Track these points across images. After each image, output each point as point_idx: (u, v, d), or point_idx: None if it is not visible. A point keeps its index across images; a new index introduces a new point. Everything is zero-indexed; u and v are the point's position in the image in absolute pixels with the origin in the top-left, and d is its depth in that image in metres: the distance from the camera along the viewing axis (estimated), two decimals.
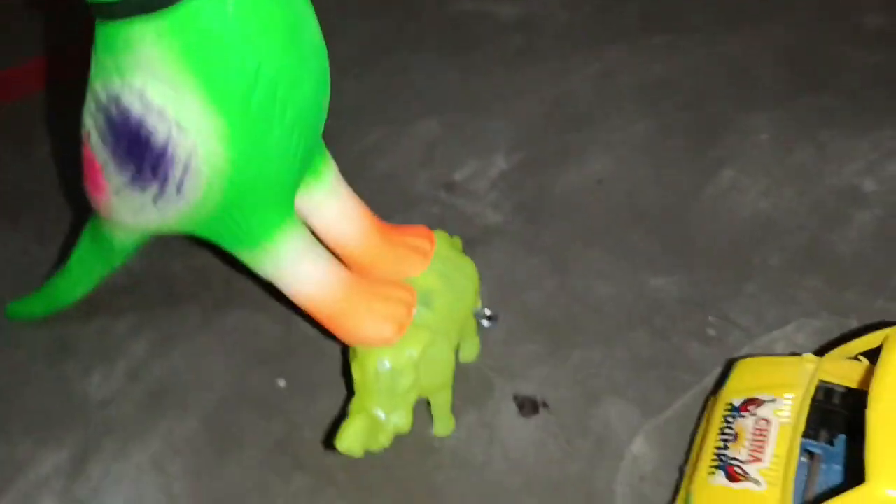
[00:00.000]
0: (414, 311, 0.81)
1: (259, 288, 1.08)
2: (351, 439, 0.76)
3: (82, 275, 0.97)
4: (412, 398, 0.82)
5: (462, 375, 0.95)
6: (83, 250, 0.94)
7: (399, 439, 0.88)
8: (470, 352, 0.97)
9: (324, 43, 0.71)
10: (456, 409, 0.91)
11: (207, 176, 0.67)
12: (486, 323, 0.93)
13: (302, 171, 0.75)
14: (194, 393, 0.97)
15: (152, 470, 0.90)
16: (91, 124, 0.71)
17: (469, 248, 0.94)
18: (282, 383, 0.97)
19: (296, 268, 0.76)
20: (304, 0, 0.68)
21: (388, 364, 0.79)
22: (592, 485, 0.84)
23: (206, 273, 1.11)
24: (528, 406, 0.93)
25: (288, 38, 0.65)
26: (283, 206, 0.74)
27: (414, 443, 0.89)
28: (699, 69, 1.34)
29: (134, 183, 0.70)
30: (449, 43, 1.48)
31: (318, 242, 0.79)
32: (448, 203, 1.18)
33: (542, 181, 1.19)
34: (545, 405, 0.92)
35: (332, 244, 0.83)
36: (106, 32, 0.65)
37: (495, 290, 1.04)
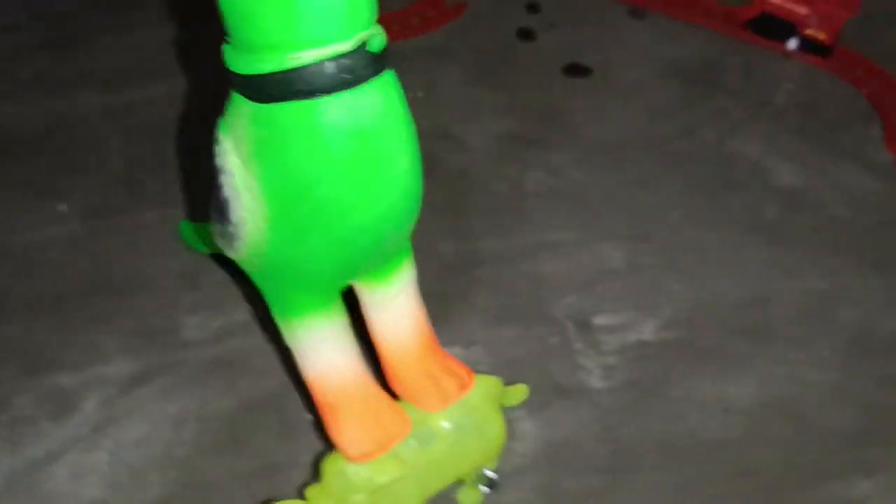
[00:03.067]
0: (398, 443, 0.82)
1: None
2: None
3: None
4: None
5: None
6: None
7: None
8: (469, 498, 0.94)
9: (413, 181, 0.72)
10: None
11: (249, 245, 0.72)
12: (482, 487, 0.90)
13: (349, 276, 0.77)
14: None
15: (169, 425, 1.01)
16: None
17: None
18: None
19: (308, 351, 0.80)
20: (401, 138, 0.69)
21: (347, 473, 0.81)
22: None
23: None
24: None
25: (358, 172, 0.66)
26: (317, 297, 0.77)
27: None
28: None
29: (213, 212, 0.77)
30: None
31: (347, 338, 0.81)
32: None
33: None
34: None
35: (374, 337, 0.86)
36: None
37: None
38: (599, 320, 1.15)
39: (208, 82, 1.44)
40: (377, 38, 0.65)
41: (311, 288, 0.76)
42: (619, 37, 1.67)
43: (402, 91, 0.69)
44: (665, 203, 1.33)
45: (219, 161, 0.70)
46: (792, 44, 1.60)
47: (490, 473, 0.90)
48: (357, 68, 0.63)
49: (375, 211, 0.69)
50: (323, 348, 0.80)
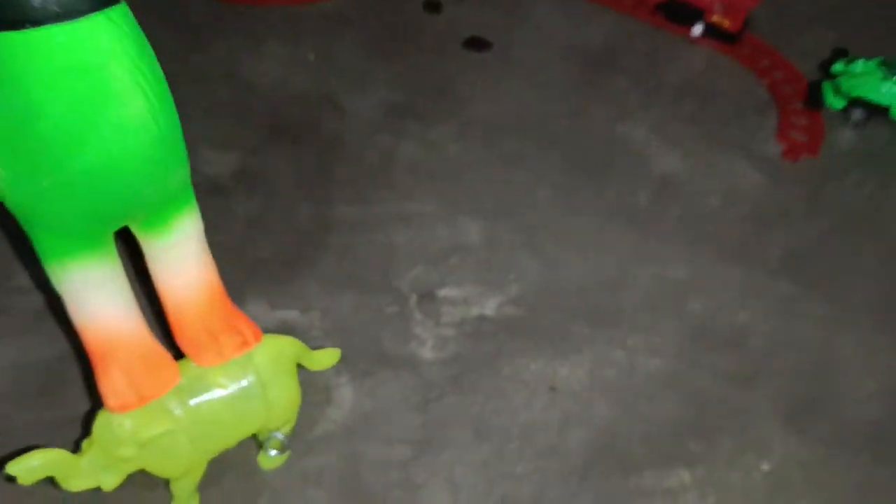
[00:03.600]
0: (169, 398, 0.80)
1: None
2: (23, 470, 0.77)
3: None
4: (128, 468, 0.82)
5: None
6: None
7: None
8: (267, 462, 0.93)
9: (154, 126, 0.70)
10: None
11: None
12: (271, 450, 0.89)
13: (108, 223, 0.75)
14: None
15: None
16: None
17: None
18: None
19: (73, 297, 0.78)
20: (131, 79, 0.67)
21: (111, 425, 0.80)
22: None
23: None
24: None
25: (79, 110, 0.65)
26: (76, 242, 0.75)
27: None
28: None
29: None
30: None
31: (116, 286, 0.79)
32: None
33: None
34: None
35: (156, 288, 0.84)
36: None
37: None
38: (444, 293, 1.14)
39: None
40: None
41: (64, 232, 0.74)
42: (530, 15, 1.65)
43: (136, 30, 0.67)
44: (536, 182, 1.30)
45: None
46: (697, 30, 1.58)
47: (280, 437, 0.89)
48: (68, 2, 0.62)
49: (108, 153, 0.68)
50: (87, 295, 0.78)
